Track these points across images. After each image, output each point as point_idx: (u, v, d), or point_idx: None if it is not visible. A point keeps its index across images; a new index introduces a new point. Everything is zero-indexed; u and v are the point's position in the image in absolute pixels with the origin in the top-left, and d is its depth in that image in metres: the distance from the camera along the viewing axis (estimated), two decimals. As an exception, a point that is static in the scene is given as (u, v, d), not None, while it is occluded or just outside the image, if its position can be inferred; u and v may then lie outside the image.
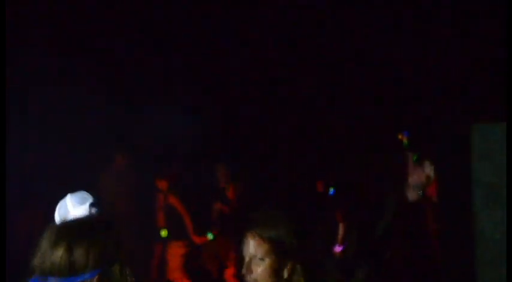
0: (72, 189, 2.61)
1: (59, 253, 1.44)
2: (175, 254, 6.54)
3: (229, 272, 6.65)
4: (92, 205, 2.50)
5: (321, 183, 6.69)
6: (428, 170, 6.62)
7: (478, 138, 4.05)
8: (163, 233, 6.61)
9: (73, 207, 2.49)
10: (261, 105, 8.75)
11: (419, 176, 6.75)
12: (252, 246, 1.84)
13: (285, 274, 1.82)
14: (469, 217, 4.09)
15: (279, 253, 1.82)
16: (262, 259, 1.83)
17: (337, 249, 6.40)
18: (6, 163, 3.62)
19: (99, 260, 1.45)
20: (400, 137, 8.10)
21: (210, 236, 6.63)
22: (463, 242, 4.28)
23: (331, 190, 6.67)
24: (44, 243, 1.47)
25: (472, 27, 7.59)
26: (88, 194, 2.58)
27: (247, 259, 1.85)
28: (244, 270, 1.86)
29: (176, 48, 8.26)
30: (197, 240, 6.59)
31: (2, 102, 4.15)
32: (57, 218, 2.49)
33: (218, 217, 6.83)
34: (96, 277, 1.44)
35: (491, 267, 3.92)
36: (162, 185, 6.72)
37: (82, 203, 2.50)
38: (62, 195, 2.62)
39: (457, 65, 7.78)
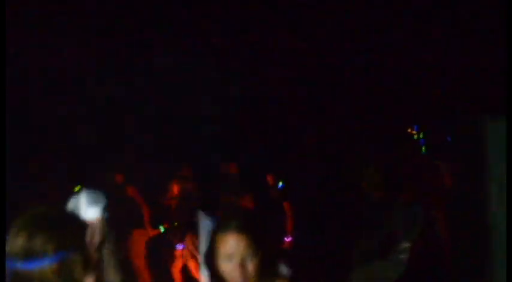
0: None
1: (20, 240, 1.53)
2: (138, 241, 6.76)
3: (176, 267, 6.71)
4: (105, 208, 2.45)
5: (271, 176, 6.70)
6: (438, 162, 6.63)
7: (492, 132, 4.01)
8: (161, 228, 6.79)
9: (87, 206, 2.44)
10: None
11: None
12: (242, 246, 1.83)
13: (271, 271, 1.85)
14: (483, 211, 4.07)
15: (265, 247, 1.84)
16: (254, 256, 1.82)
17: (286, 239, 6.38)
18: (6, 162, 3.63)
19: (58, 249, 1.53)
20: (410, 130, 8.13)
21: (161, 229, 6.82)
22: (478, 236, 4.24)
23: (280, 184, 6.68)
24: (11, 231, 1.58)
25: (477, 24, 7.61)
26: (101, 194, 2.52)
27: (238, 259, 1.82)
28: (235, 271, 1.82)
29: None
30: (150, 231, 6.81)
31: (2, 101, 4.15)
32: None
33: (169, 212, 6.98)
34: (55, 265, 1.52)
35: (505, 261, 3.87)
36: (118, 178, 6.88)
37: (96, 203, 2.45)
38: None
39: (467, 58, 7.79)
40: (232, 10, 8.21)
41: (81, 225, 1.69)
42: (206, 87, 8.61)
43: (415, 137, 7.76)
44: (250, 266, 1.80)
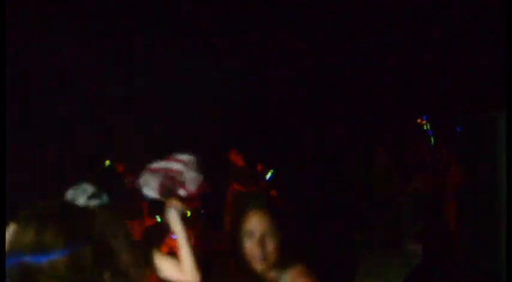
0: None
1: (30, 234, 1.51)
2: (135, 231, 6.74)
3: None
4: (90, 197, 2.46)
5: (261, 166, 6.71)
6: (446, 155, 6.59)
7: (504, 127, 3.99)
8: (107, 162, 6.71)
9: (82, 200, 2.45)
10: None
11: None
12: (263, 223, 1.89)
13: (291, 251, 1.91)
14: (494, 206, 4.05)
15: (287, 230, 1.90)
16: (274, 236, 1.88)
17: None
18: (6, 162, 3.62)
19: (68, 241, 1.52)
20: (419, 121, 8.09)
21: (158, 219, 6.77)
22: (487, 232, 4.23)
23: (270, 173, 6.68)
24: (19, 224, 1.56)
25: (477, 24, 7.61)
26: (89, 185, 2.53)
27: (258, 235, 1.88)
28: (255, 248, 1.88)
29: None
30: (148, 221, 6.77)
31: (2, 101, 4.15)
32: None
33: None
34: (66, 257, 1.51)
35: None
36: (120, 168, 6.85)
37: (80, 195, 2.46)
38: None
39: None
40: (232, 10, 8.21)
41: (90, 217, 1.68)
42: (206, 87, 8.62)
43: (425, 127, 7.72)
44: (270, 245, 1.85)
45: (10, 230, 1.61)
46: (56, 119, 7.75)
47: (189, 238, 2.41)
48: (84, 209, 1.76)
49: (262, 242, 1.86)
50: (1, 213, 2.91)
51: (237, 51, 8.68)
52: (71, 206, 1.74)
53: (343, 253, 6.91)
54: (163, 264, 2.38)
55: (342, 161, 8.45)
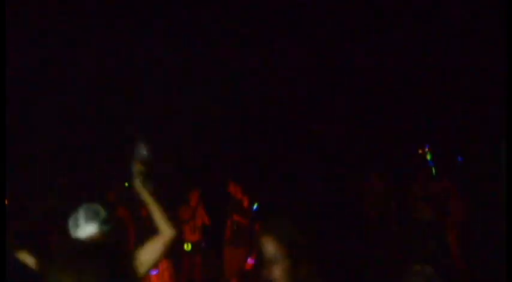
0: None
1: (68, 275, 1.50)
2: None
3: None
4: (103, 222, 2.44)
5: (247, 198, 6.63)
6: (447, 183, 6.50)
7: (504, 128, 3.97)
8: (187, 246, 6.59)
9: (85, 223, 2.42)
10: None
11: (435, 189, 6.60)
12: (271, 248, 1.95)
13: (301, 276, 1.93)
14: (496, 206, 4.05)
15: (296, 256, 1.94)
16: (282, 260, 1.93)
17: (249, 261, 6.25)
18: (5, 162, 3.63)
19: (108, 277, 1.51)
20: (421, 151, 8.02)
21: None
22: (495, 258, 4.22)
23: (255, 206, 6.61)
24: (54, 270, 1.54)
25: (477, 24, 7.61)
26: (100, 207, 2.51)
27: (267, 259, 1.94)
28: (264, 271, 1.94)
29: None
30: None
31: (2, 101, 4.15)
32: (71, 231, 2.46)
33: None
34: None
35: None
36: (110, 197, 6.68)
37: (94, 218, 2.44)
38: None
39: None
40: (232, 10, 8.21)
41: (124, 253, 1.68)
42: (206, 87, 8.62)
43: (428, 157, 7.66)
44: (277, 269, 1.89)
45: (46, 274, 1.59)
46: (56, 119, 7.75)
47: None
48: (119, 246, 1.76)
49: (270, 267, 1.93)
50: (1, 213, 2.92)
51: (237, 51, 8.68)
52: (106, 244, 1.74)
53: (343, 254, 6.90)
54: (145, 253, 2.37)
55: (342, 161, 8.44)
